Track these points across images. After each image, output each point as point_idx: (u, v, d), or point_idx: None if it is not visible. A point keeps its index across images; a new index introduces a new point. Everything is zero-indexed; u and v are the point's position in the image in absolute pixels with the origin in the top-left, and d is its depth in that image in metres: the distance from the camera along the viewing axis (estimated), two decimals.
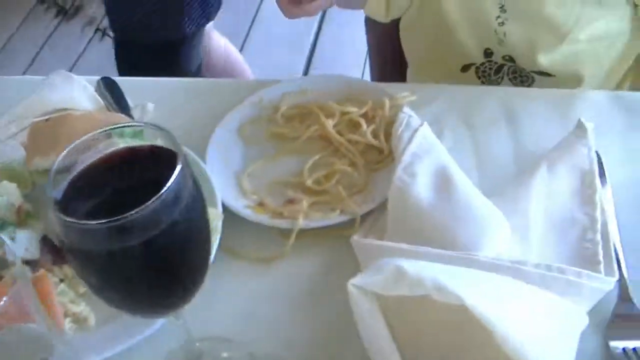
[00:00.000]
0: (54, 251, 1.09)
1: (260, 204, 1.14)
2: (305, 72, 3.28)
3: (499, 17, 1.38)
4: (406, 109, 1.19)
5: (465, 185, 1.07)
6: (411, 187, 1.06)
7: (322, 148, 1.21)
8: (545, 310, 0.92)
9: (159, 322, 0.99)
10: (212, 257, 1.02)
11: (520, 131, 1.21)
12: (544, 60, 1.40)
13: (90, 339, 1.01)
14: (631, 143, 1.19)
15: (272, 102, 1.29)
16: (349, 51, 3.17)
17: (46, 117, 1.19)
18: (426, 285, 0.85)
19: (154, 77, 1.45)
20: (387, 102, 1.21)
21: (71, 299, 1.04)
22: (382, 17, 1.54)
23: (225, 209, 1.12)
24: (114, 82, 1.38)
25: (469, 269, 0.94)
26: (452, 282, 0.85)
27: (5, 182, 1.14)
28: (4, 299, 0.74)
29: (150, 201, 0.70)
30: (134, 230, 0.71)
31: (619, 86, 1.51)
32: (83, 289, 1.05)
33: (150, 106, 1.33)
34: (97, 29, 3.71)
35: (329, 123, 1.20)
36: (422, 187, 1.06)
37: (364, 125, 1.19)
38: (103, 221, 0.70)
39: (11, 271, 0.95)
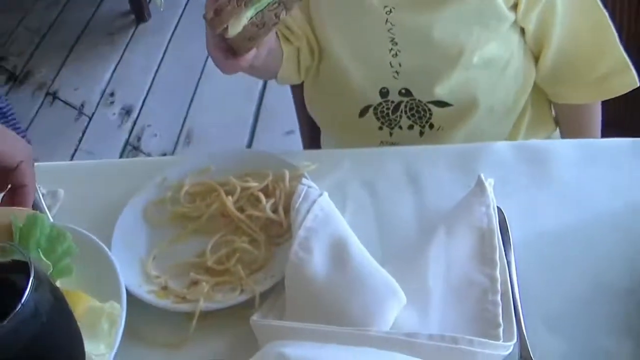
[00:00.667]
0: None
1: (164, 288, 1.14)
2: (254, 123, 3.29)
3: (391, 49, 1.40)
4: (305, 180, 1.19)
5: (361, 256, 1.06)
6: (306, 263, 1.06)
7: (224, 226, 1.21)
8: None
9: None
10: (115, 348, 1.02)
11: (422, 191, 1.22)
12: (440, 88, 1.42)
13: None
14: (535, 195, 1.19)
15: (176, 181, 1.28)
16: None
17: None
18: None
19: (67, 162, 1.45)
20: (286, 174, 1.21)
21: None
22: (296, 80, 1.56)
23: (130, 295, 1.11)
24: None
25: (360, 347, 0.94)
26: None
27: None
28: None
29: (4, 322, 0.69)
30: None
31: (519, 120, 1.53)
32: None
33: (61, 192, 1.33)
34: (48, 93, 3.71)
35: (230, 200, 1.20)
36: (317, 263, 1.06)
37: (263, 200, 1.19)
38: None
39: None
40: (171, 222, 1.25)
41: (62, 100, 3.62)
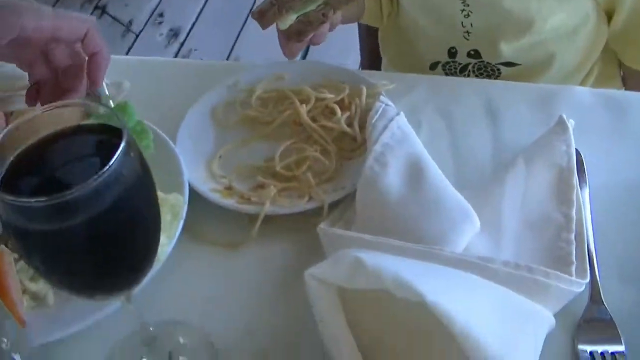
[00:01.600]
0: None
1: (228, 188, 1.12)
2: (304, 56, 3.25)
3: (463, 10, 1.36)
4: (383, 98, 1.16)
5: (437, 178, 1.04)
6: (381, 178, 1.04)
7: (295, 134, 1.18)
8: (510, 310, 0.89)
9: (116, 305, 0.97)
10: (174, 239, 1.00)
11: (499, 125, 1.18)
12: (509, 50, 1.39)
13: (47, 318, 0.99)
14: (612, 143, 1.15)
15: (248, 86, 1.26)
16: (345, 39, 3.14)
17: (9, 110, 1.15)
18: (385, 279, 0.82)
19: (134, 56, 1.43)
20: (364, 90, 1.18)
21: (30, 277, 1.02)
22: (379, 24, 1.56)
23: (193, 191, 1.09)
24: None
25: (434, 264, 0.91)
26: (413, 277, 0.82)
27: None
28: None
29: (91, 179, 0.67)
30: (74, 209, 0.68)
31: (587, 77, 1.51)
32: None
33: (127, 84, 1.30)
34: (96, 7, 3.68)
35: (303, 108, 1.17)
36: (392, 178, 1.03)
37: (339, 113, 1.16)
38: (42, 199, 0.67)
39: None
40: (240, 125, 1.22)
41: (110, 15, 3.59)
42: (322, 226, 1.03)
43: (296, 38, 1.15)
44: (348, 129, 1.15)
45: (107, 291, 0.80)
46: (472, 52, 1.42)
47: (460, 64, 1.44)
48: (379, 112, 1.13)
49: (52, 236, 0.71)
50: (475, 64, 1.42)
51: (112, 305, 0.96)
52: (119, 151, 0.69)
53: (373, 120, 1.12)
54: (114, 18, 3.55)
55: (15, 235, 0.73)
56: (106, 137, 0.74)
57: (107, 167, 0.68)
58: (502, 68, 1.42)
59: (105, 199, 0.69)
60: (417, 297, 0.80)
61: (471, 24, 1.38)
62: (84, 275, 0.76)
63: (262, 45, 3.29)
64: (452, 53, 1.43)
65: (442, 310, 0.79)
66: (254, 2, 3.51)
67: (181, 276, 1.03)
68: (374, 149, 1.07)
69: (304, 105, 1.17)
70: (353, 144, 1.15)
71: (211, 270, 1.05)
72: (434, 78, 1.29)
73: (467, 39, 1.40)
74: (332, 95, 1.18)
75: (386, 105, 1.15)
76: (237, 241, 1.06)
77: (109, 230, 0.72)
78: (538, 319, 0.90)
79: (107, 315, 0.96)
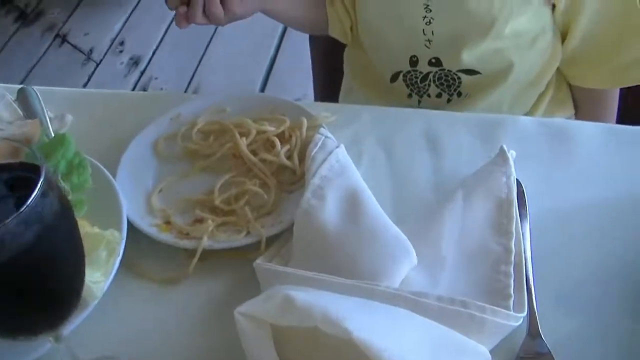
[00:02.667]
0: None
1: (167, 223, 1.11)
2: (263, 88, 3.26)
3: (425, 17, 1.37)
4: (323, 130, 1.16)
5: (374, 211, 1.03)
6: (318, 211, 1.03)
7: (235, 167, 1.17)
8: (443, 346, 0.88)
9: (46, 347, 0.95)
10: (110, 277, 0.98)
11: (441, 156, 1.18)
12: (470, 56, 1.40)
13: None
14: (554, 172, 1.15)
15: (190, 117, 1.25)
16: (307, 66, 3.15)
17: None
18: (314, 316, 0.81)
19: (76, 88, 1.42)
20: (304, 122, 1.18)
21: None
22: (345, 40, 1.57)
23: (131, 225, 1.08)
24: (33, 91, 1.34)
25: (367, 300, 0.91)
26: (343, 314, 0.81)
27: None
28: None
29: (8, 219, 0.66)
30: None
31: (541, 97, 1.51)
32: None
33: (69, 117, 1.29)
34: (57, 35, 3.67)
35: (243, 141, 1.16)
36: (330, 212, 1.03)
37: (278, 145, 1.15)
38: None
39: None
40: (180, 158, 1.22)
41: (71, 44, 3.57)
42: (259, 262, 1.02)
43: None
44: (288, 162, 1.14)
45: (31, 331, 0.79)
46: (433, 60, 1.42)
47: (421, 72, 1.44)
48: (319, 145, 1.13)
49: None
50: (436, 72, 1.43)
51: (44, 345, 0.95)
52: (36, 189, 0.68)
53: (312, 153, 1.12)
54: (74, 47, 3.53)
55: None
56: (27, 175, 0.73)
57: (25, 206, 0.67)
58: (463, 76, 1.43)
59: (23, 238, 0.69)
60: (345, 334, 0.79)
61: (432, 32, 1.38)
62: (4, 315, 0.75)
63: (224, 72, 3.32)
64: (413, 62, 1.44)
65: (370, 347, 0.78)
66: (215, 29, 3.51)
67: (118, 313, 1.01)
68: (312, 182, 1.07)
69: (244, 138, 1.17)
70: (293, 177, 1.15)
71: (149, 307, 1.04)
72: (377, 109, 1.28)
73: (428, 47, 1.41)
74: (272, 128, 1.18)
75: (326, 137, 1.14)
76: (174, 277, 1.05)
77: (29, 270, 0.71)
78: (473, 355, 0.89)
79: (39, 355, 0.95)
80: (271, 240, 1.07)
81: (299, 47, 3.26)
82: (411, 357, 0.81)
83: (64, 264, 0.75)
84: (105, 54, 3.54)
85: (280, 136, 1.17)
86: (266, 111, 1.24)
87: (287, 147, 1.16)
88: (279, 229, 1.07)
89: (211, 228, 1.07)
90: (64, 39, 3.62)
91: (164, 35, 3.61)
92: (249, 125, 1.19)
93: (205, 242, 1.05)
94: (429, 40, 1.40)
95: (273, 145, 1.16)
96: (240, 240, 1.06)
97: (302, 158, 1.14)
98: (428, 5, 1.36)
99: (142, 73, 3.41)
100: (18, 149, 1.04)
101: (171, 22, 3.68)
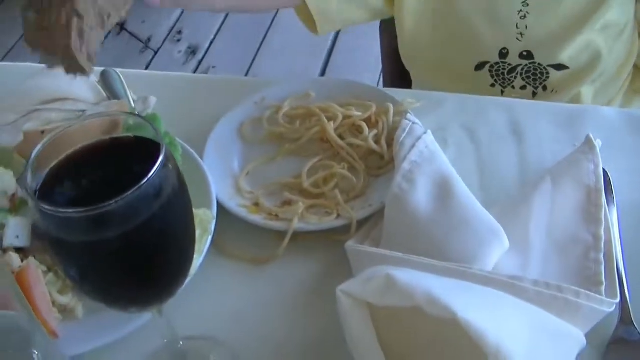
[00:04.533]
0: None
1: (256, 204, 1.12)
2: (323, 73, 3.27)
3: (520, 11, 1.37)
4: (410, 116, 1.17)
5: (465, 196, 1.04)
6: (409, 195, 1.04)
7: (322, 151, 1.18)
8: (541, 329, 0.88)
9: (145, 318, 0.97)
10: (202, 254, 1.00)
11: (525, 145, 1.18)
12: (563, 51, 1.40)
13: (76, 330, 0.99)
14: (638, 162, 1.15)
15: (275, 102, 1.26)
16: (364, 59, 3.15)
17: (42, 128, 1.15)
18: (417, 296, 0.82)
19: (160, 72, 1.43)
20: (391, 108, 1.19)
21: (59, 289, 1.02)
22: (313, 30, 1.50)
23: (220, 207, 1.09)
24: (117, 74, 1.36)
25: (463, 281, 0.91)
26: (445, 294, 0.82)
27: (0, 169, 1.11)
28: None
29: (130, 192, 0.67)
30: (112, 220, 0.68)
31: (619, 91, 1.52)
32: None
33: (153, 100, 1.31)
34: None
35: (331, 126, 1.17)
36: (420, 196, 1.04)
37: (366, 130, 1.16)
38: (81, 210, 0.67)
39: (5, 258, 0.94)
40: (266, 141, 1.23)
41: (128, 32, 3.60)
42: (350, 243, 1.03)
43: None
44: (376, 147, 1.15)
45: (141, 304, 0.81)
46: (524, 54, 1.42)
47: (510, 65, 1.44)
48: (407, 130, 1.13)
49: (88, 247, 0.71)
50: (526, 65, 1.43)
51: (141, 318, 0.97)
52: (158, 163, 0.69)
53: (401, 139, 1.12)
54: (132, 35, 3.56)
55: (52, 246, 0.73)
56: (142, 149, 0.74)
57: (147, 179, 0.69)
58: (552, 71, 1.43)
59: (143, 212, 0.70)
60: (449, 314, 0.80)
61: (526, 26, 1.39)
62: (118, 287, 0.77)
63: (281, 61, 3.33)
64: (503, 54, 1.43)
65: (474, 327, 0.79)
66: (273, 18, 3.52)
67: (208, 291, 1.03)
68: (402, 166, 1.07)
69: (331, 123, 1.18)
70: (380, 162, 1.16)
71: (238, 286, 1.05)
72: (460, 96, 1.28)
73: (520, 41, 1.41)
74: (359, 113, 1.19)
75: (413, 123, 1.15)
76: (264, 257, 1.06)
77: (146, 243, 0.72)
78: (569, 338, 0.89)
79: (135, 329, 0.97)
80: (360, 223, 1.07)
81: (358, 35, 3.29)
82: (513, 338, 0.81)
83: (179, 237, 0.77)
84: (163, 42, 3.57)
85: (367, 121, 1.18)
86: (351, 97, 1.24)
87: (374, 132, 1.17)
88: (369, 212, 1.08)
89: (301, 210, 1.08)
90: (122, 27, 3.65)
91: (221, 25, 3.62)
92: (335, 109, 1.20)
93: (296, 224, 1.06)
94: (521, 34, 1.40)
95: (360, 130, 1.17)
96: (331, 222, 1.07)
97: (389, 143, 1.15)
98: (526, 0, 1.36)
99: (200, 62, 3.43)
100: (114, 124, 1.06)
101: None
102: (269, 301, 1.03)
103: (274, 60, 3.32)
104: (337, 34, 3.45)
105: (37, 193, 0.71)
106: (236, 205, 1.11)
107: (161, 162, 0.70)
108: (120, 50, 3.49)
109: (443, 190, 1.04)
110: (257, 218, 1.09)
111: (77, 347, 0.95)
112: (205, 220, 1.05)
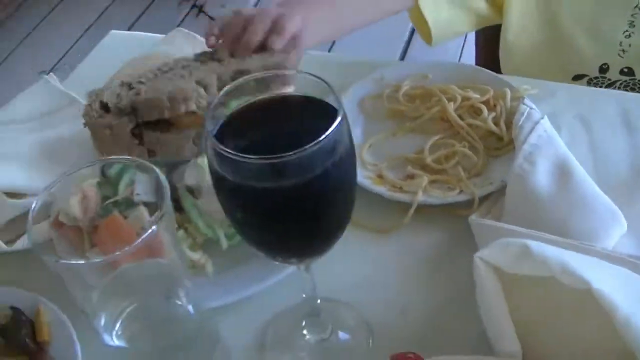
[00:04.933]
0: (175, 198, 1.12)
1: (379, 176, 1.17)
2: (403, 56, 3.30)
3: (626, 30, 1.41)
4: (527, 101, 1.21)
5: (584, 179, 1.08)
6: (530, 175, 1.09)
7: (442, 129, 1.23)
8: None
9: (274, 278, 1.02)
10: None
11: (636, 136, 1.22)
12: None
13: (207, 286, 1.04)
14: None
15: (393, 81, 1.31)
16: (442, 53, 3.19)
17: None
18: (552, 265, 0.87)
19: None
20: (508, 93, 1.23)
21: (189, 246, 1.08)
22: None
23: None
24: None
25: (589, 256, 0.96)
26: (580, 265, 0.87)
27: None
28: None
29: (310, 144, 0.72)
30: (288, 171, 0.73)
31: None
32: (201, 238, 1.09)
33: None
34: (194, 5, 3.75)
35: (451, 106, 1.22)
36: (541, 176, 1.08)
37: (485, 112, 1.21)
38: (263, 157, 0.72)
39: (136, 212, 0.99)
40: (387, 118, 1.28)
41: (207, 15, 3.66)
42: (474, 217, 1.08)
43: None
44: (495, 128, 1.20)
45: (300, 255, 0.86)
46: (625, 70, 1.47)
47: (609, 80, 1.48)
48: (525, 115, 1.18)
49: (259, 193, 0.76)
50: (625, 81, 1.46)
51: (271, 277, 1.02)
52: (336, 123, 0.74)
53: (520, 122, 1.17)
54: (211, 18, 3.62)
55: (224, 188, 0.79)
56: (316, 107, 0.80)
57: (326, 134, 0.73)
58: None
59: (317, 166, 0.74)
60: (583, 284, 0.85)
61: (629, 44, 1.43)
62: (282, 235, 0.82)
63: (360, 44, 3.36)
64: (603, 69, 1.48)
65: (608, 299, 0.84)
66: None
67: (334, 257, 1.07)
68: (523, 148, 1.12)
69: (451, 103, 1.23)
70: (498, 143, 1.21)
71: (363, 254, 1.10)
72: (574, 87, 1.33)
73: (622, 57, 1.45)
74: (477, 96, 1.24)
75: (530, 108, 1.20)
76: (388, 227, 1.11)
77: (316, 196, 0.77)
78: None
79: (280, 279, 1.03)
80: (480, 200, 1.12)
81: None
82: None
83: (344, 195, 0.82)
84: None
85: (485, 104, 1.23)
86: (467, 80, 1.29)
87: (492, 114, 1.21)
88: (489, 190, 1.13)
89: (425, 184, 1.13)
90: (200, 10, 3.71)
91: None
92: (454, 91, 1.25)
93: (420, 197, 1.11)
94: (623, 50, 1.44)
95: (478, 112, 1.22)
96: (453, 197, 1.12)
97: (507, 126, 1.20)
98: (633, 22, 1.40)
99: None
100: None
101: None
102: (392, 268, 1.08)
103: (353, 42, 3.35)
104: (413, 30, 3.48)
105: (217, 137, 0.76)
106: (360, 176, 1.16)
107: (339, 121, 0.75)
108: (199, 33, 3.54)
109: (563, 172, 1.09)
110: (381, 189, 1.14)
111: (207, 302, 1.01)
112: None
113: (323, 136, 0.73)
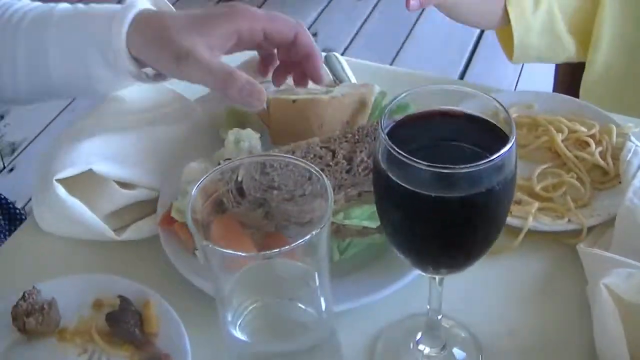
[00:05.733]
0: None
1: None
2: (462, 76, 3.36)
3: None
4: (633, 139, 1.25)
5: None
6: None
7: (549, 159, 1.27)
8: None
9: (391, 288, 1.06)
10: None
11: None
12: None
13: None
14: None
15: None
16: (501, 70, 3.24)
17: (293, 97, 1.22)
18: None
19: (380, 64, 1.53)
20: (614, 129, 1.27)
21: None
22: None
23: None
24: (337, 57, 1.46)
25: None
26: None
27: (249, 130, 1.20)
28: None
29: (483, 162, 0.77)
30: (456, 183, 0.78)
31: None
32: None
33: (377, 88, 1.37)
34: None
35: (559, 137, 1.26)
36: None
37: (593, 145, 1.25)
38: (435, 166, 0.77)
39: None
40: None
41: None
42: (582, 246, 1.12)
43: None
44: (602, 162, 1.23)
45: (444, 266, 0.91)
46: None
47: None
48: (632, 151, 1.22)
49: (420, 200, 0.80)
50: None
51: (389, 287, 1.06)
52: (508, 146, 0.80)
53: (627, 158, 1.21)
54: None
55: (383, 187, 0.84)
56: (487, 127, 0.86)
57: (498, 156, 0.79)
58: None
59: (482, 184, 0.79)
60: None
61: None
62: (432, 243, 0.87)
63: (419, 69, 3.41)
64: None
65: None
66: (410, 30, 3.60)
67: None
68: (632, 183, 1.16)
69: (559, 134, 1.26)
70: (604, 177, 1.24)
71: (476, 274, 1.12)
72: None
73: None
74: (584, 129, 1.27)
75: (637, 145, 1.23)
76: (497, 249, 1.15)
77: (473, 213, 0.82)
78: None
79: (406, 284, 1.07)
80: (588, 230, 1.16)
81: (491, 52, 3.36)
82: None
83: (501, 214, 0.86)
84: None
85: (592, 138, 1.26)
86: (571, 113, 1.33)
87: (599, 148, 1.25)
88: (597, 220, 1.16)
89: (534, 210, 1.16)
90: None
91: (357, 32, 3.72)
92: (561, 122, 1.29)
93: (531, 222, 1.15)
94: None
95: (584, 145, 1.26)
96: (562, 225, 1.16)
97: (614, 161, 1.23)
98: None
99: None
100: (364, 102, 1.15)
101: (365, 20, 3.80)
102: (503, 289, 1.12)
103: (409, 69, 3.40)
104: (474, 48, 3.53)
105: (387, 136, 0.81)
106: None
107: (511, 145, 0.79)
108: None
109: None
110: None
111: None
112: None
113: (497, 155, 0.78)
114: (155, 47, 1.16)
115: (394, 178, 0.81)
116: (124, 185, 1.20)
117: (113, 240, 1.17)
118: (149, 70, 1.24)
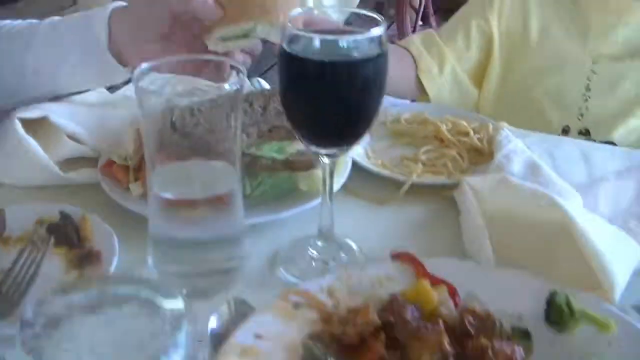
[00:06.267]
0: None
1: (382, 164, 1.44)
2: None
3: (584, 94, 1.70)
4: (505, 130, 1.47)
5: (549, 173, 1.32)
6: (507, 166, 1.33)
7: (435, 144, 1.52)
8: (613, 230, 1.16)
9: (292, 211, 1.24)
10: (343, 179, 1.27)
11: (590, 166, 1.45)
12: (616, 131, 1.71)
13: None
14: None
15: (395, 113, 1.61)
16: None
17: None
18: (525, 189, 1.13)
19: None
20: (491, 125, 1.51)
21: None
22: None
23: (355, 164, 1.39)
24: None
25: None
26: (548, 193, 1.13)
27: None
28: None
29: (360, 34, 1.00)
30: (340, 52, 1.00)
31: None
32: None
33: None
34: None
35: (443, 127, 1.50)
36: (515, 167, 1.33)
37: (471, 132, 1.49)
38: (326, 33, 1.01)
39: None
40: (388, 135, 1.57)
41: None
42: (456, 193, 1.30)
43: None
44: (479, 144, 1.47)
45: (333, 138, 1.08)
46: (583, 131, 1.73)
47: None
48: (503, 136, 1.44)
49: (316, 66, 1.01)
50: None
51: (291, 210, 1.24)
52: (382, 32, 1.02)
53: (499, 139, 1.43)
54: None
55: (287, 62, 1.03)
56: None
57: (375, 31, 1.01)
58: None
59: (364, 51, 1.01)
60: (547, 201, 1.09)
61: (586, 107, 1.70)
62: (322, 113, 1.05)
63: None
64: (565, 131, 1.76)
65: (566, 212, 1.08)
66: None
67: (346, 220, 1.25)
68: (501, 151, 1.38)
69: (443, 125, 1.50)
70: (480, 157, 1.48)
71: (362, 218, 1.33)
72: (542, 134, 1.57)
73: (580, 120, 1.72)
74: (464, 123, 1.51)
75: (507, 134, 1.46)
76: (385, 199, 1.35)
77: (357, 80, 1.02)
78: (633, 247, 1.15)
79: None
80: None
81: None
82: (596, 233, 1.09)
83: (377, 93, 1.05)
84: None
85: (472, 130, 1.51)
86: (457, 116, 1.58)
87: (477, 135, 1.49)
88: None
89: (419, 170, 1.38)
90: None
91: None
92: (448, 120, 1.55)
93: (414, 177, 1.36)
94: (581, 114, 1.71)
95: (466, 133, 1.50)
96: (442, 180, 1.39)
97: (489, 146, 1.47)
98: (589, 84, 1.69)
99: None
100: None
101: None
102: (389, 232, 1.29)
103: None
104: None
105: None
106: (366, 163, 1.43)
107: (382, 26, 1.02)
108: None
109: (533, 167, 1.33)
110: (385, 171, 1.40)
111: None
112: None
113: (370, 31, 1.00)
114: None
115: (293, 53, 1.01)
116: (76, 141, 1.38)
117: (58, 184, 1.34)
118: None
